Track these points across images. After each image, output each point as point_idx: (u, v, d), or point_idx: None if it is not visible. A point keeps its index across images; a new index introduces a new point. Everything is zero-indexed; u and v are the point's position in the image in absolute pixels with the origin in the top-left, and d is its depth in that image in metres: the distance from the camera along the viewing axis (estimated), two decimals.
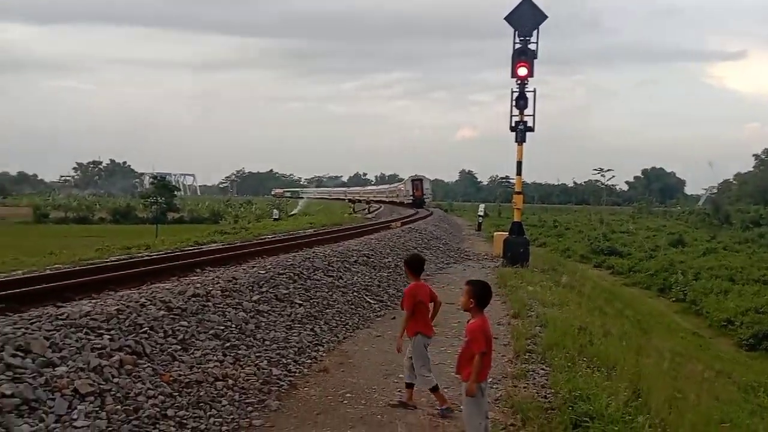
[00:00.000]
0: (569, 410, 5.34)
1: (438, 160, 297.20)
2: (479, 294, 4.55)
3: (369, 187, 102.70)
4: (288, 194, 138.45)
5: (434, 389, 5.73)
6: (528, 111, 16.28)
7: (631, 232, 45.18)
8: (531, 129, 16.36)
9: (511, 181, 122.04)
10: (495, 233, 22.67)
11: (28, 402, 4.27)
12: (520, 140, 16.38)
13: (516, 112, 16.29)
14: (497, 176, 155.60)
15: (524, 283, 12.96)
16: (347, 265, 11.99)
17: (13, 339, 4.79)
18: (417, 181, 54.39)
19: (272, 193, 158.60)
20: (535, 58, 16.07)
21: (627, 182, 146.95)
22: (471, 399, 4.52)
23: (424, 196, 53.61)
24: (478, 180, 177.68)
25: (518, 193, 17.08)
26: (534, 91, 16.23)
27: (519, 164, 16.58)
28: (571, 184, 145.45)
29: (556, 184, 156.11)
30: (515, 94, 16.19)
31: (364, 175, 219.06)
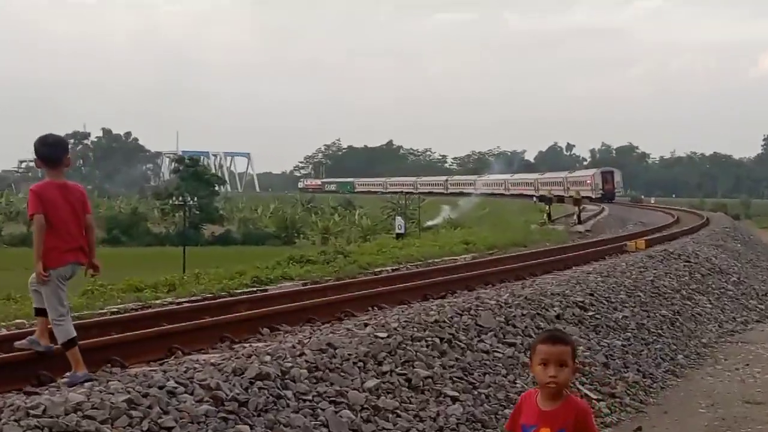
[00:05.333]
0: None
1: (712, 113, 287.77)
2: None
3: (559, 174, 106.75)
4: (334, 187, 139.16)
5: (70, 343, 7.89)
6: None
7: None
8: None
9: None
10: None
11: None
12: None
13: None
14: None
15: None
16: (542, 323, 12.00)
17: None
18: (607, 174, 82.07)
19: (299, 185, 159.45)
20: None
21: None
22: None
23: (615, 191, 79.71)
24: None
25: None
26: None
27: None
28: None
29: None
30: None
31: (570, 149, 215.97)
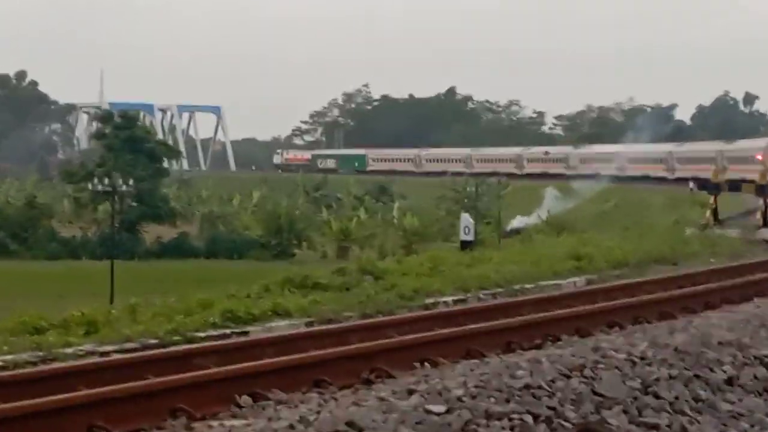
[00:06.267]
0: None
1: None
2: None
3: (710, 145, 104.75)
4: (332, 163, 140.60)
5: None
6: None
7: None
8: None
9: None
10: None
11: None
12: None
13: None
14: None
15: None
16: (703, 392, 11.45)
17: None
18: None
19: (275, 160, 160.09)
20: None
21: None
22: None
23: None
24: None
25: None
26: None
27: None
28: None
29: None
30: None
31: (750, 103, 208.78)
